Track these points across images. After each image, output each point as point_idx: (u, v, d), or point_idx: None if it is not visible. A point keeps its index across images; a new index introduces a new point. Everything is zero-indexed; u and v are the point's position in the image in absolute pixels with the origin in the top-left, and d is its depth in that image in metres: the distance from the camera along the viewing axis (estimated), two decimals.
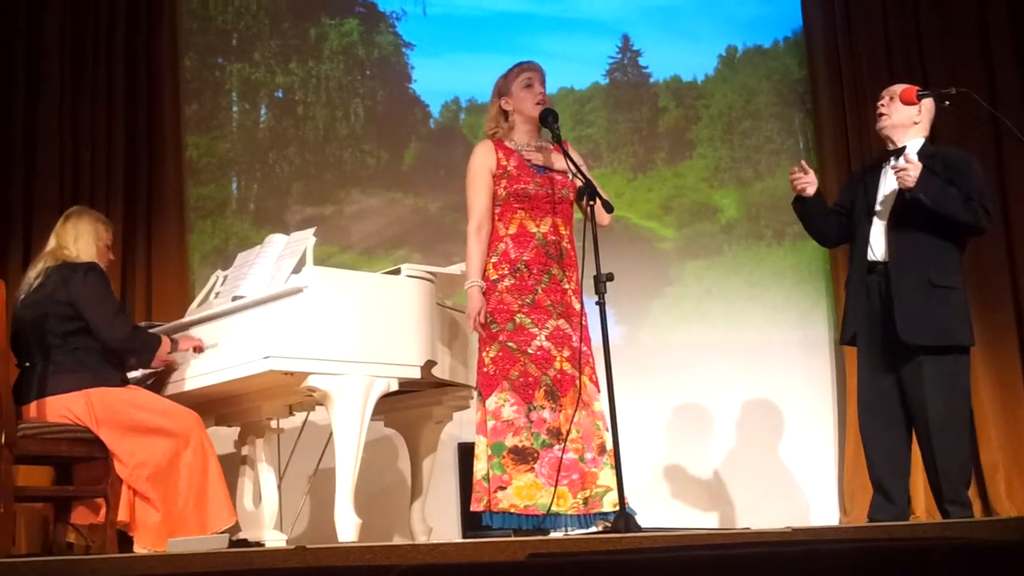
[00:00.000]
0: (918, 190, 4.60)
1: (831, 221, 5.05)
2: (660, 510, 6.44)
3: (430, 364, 4.67)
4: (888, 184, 4.83)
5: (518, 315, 4.44)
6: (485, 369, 4.45)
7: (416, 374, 4.63)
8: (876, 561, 1.80)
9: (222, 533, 4.43)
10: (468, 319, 4.51)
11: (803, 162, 4.98)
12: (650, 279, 7.19)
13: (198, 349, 4.73)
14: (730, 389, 7.00)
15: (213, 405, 4.91)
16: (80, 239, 4.77)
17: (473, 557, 3.21)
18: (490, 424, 4.37)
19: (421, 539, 5.19)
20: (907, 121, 4.86)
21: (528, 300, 4.45)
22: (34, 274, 4.72)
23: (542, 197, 4.53)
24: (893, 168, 4.72)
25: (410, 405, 5.26)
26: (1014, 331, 6.88)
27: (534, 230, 4.51)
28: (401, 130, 7.34)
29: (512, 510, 4.28)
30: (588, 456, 4.35)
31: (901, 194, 4.70)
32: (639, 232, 7.30)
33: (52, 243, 4.80)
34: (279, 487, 4.91)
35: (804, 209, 5.01)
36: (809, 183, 4.91)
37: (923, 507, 6.43)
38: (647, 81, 7.55)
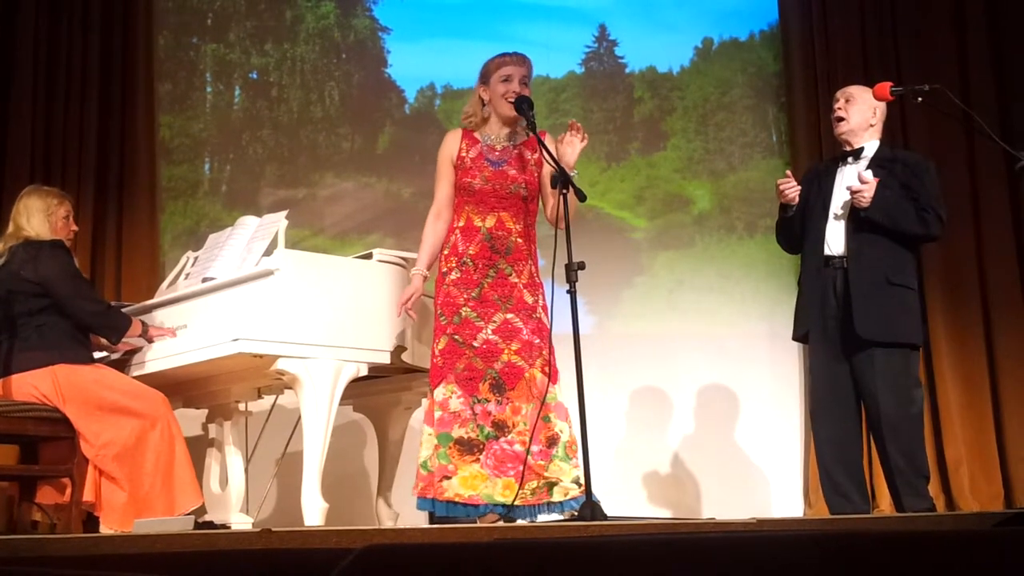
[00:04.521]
0: (873, 211, 4.68)
1: (798, 226, 5.02)
2: (626, 501, 6.46)
3: (400, 350, 4.67)
4: (844, 183, 4.88)
5: (463, 308, 4.42)
6: (435, 360, 4.45)
7: (386, 359, 4.64)
8: (840, 550, 1.81)
9: (188, 515, 4.41)
10: (398, 304, 4.52)
11: (788, 171, 4.98)
12: (621, 269, 7.20)
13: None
14: (698, 380, 7.03)
15: (181, 387, 4.89)
16: (32, 217, 4.72)
17: (439, 542, 3.21)
18: (437, 414, 4.37)
19: (388, 524, 5.19)
20: (864, 123, 4.93)
21: (474, 294, 4.43)
22: None
23: (487, 192, 4.49)
24: (848, 188, 4.77)
25: (379, 390, 5.27)
26: (981, 329, 6.92)
27: (479, 224, 4.48)
28: (376, 114, 7.33)
29: (457, 499, 4.30)
30: (535, 448, 4.35)
31: None
32: (611, 222, 7.32)
33: (11, 227, 4.76)
34: (246, 470, 4.91)
35: (790, 218, 4.97)
36: (796, 189, 4.88)
37: (887, 502, 6.47)
38: (623, 71, 7.55)
